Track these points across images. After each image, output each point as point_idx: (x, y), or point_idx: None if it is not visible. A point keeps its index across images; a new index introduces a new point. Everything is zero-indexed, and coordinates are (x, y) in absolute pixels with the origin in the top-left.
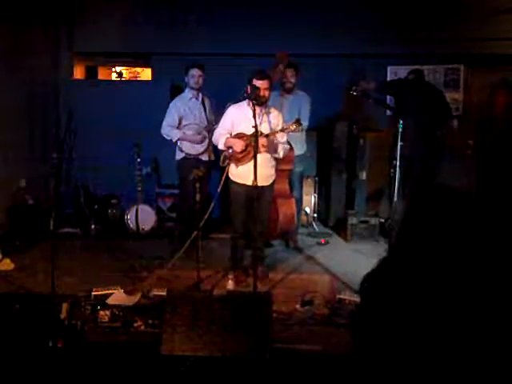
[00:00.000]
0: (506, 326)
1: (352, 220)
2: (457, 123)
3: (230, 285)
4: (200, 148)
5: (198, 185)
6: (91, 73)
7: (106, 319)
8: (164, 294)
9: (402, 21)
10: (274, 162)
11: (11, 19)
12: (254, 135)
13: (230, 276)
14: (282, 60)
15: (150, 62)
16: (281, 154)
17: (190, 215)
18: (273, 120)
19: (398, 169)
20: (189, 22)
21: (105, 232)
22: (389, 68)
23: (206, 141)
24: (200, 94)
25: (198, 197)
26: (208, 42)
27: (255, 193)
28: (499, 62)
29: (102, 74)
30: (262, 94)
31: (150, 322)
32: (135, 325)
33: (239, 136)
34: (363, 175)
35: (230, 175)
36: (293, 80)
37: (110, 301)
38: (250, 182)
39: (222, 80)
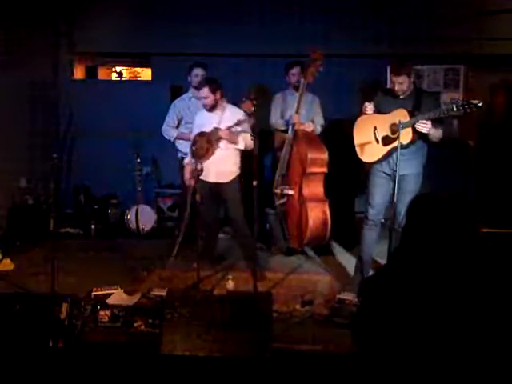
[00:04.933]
0: (504, 326)
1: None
2: (457, 123)
3: (230, 285)
4: None
5: (198, 185)
6: (91, 73)
7: (106, 319)
8: (164, 294)
9: (403, 21)
10: (235, 159)
11: (11, 19)
12: (212, 132)
13: (230, 276)
14: (316, 59)
15: (149, 62)
16: (241, 144)
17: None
18: (232, 115)
19: (397, 169)
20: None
21: (105, 232)
22: (389, 68)
23: None
24: None
25: (198, 197)
26: (208, 43)
27: (217, 190)
28: (499, 62)
29: (101, 74)
30: (203, 102)
31: (150, 321)
32: (135, 325)
33: (200, 135)
34: (363, 175)
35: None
36: (299, 78)
37: (109, 301)
38: (210, 179)
39: (221, 80)
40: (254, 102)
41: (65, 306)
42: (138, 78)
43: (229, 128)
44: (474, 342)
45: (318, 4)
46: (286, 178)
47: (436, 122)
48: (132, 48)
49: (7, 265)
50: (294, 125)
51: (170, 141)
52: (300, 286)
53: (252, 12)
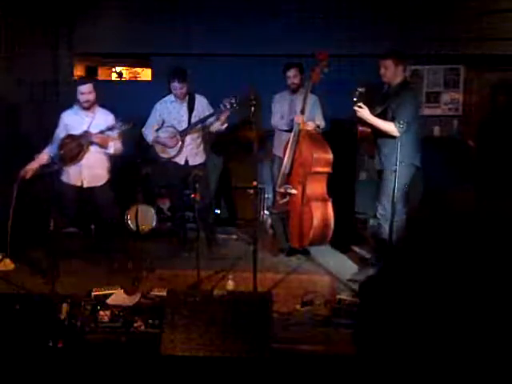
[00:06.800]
0: (503, 328)
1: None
2: (457, 123)
3: (230, 285)
4: (171, 152)
5: (197, 185)
6: (91, 73)
7: (106, 319)
8: (164, 294)
9: (402, 21)
10: (107, 163)
11: (11, 19)
12: (82, 136)
13: (230, 276)
14: (321, 60)
15: (149, 62)
16: (111, 148)
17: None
18: (102, 118)
19: (397, 169)
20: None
21: (105, 232)
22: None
23: (179, 145)
24: (186, 97)
25: (197, 196)
26: (208, 43)
27: (87, 195)
28: (499, 62)
29: (101, 74)
30: (84, 98)
31: (150, 322)
32: (135, 325)
33: (69, 138)
34: (363, 175)
35: (60, 176)
36: (296, 81)
37: (110, 301)
38: (79, 183)
39: (221, 80)
40: (254, 102)
41: (65, 306)
42: (138, 78)
43: (101, 132)
44: (476, 343)
45: (317, 4)
46: (289, 177)
47: (383, 115)
48: (132, 48)
49: (7, 265)
50: (298, 125)
51: (148, 143)
52: (300, 286)
53: (252, 12)
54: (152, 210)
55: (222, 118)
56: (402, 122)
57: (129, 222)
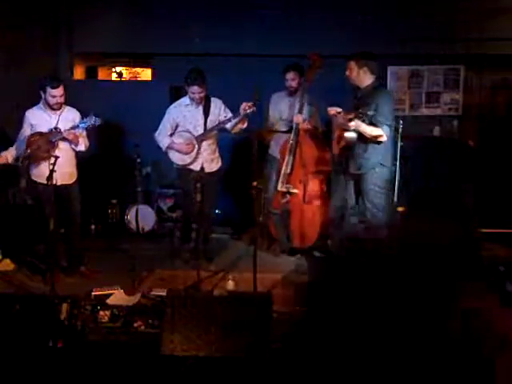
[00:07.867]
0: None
1: (352, 220)
2: (457, 123)
3: (230, 285)
4: (187, 159)
5: (198, 185)
6: (91, 73)
7: (106, 319)
8: (164, 294)
9: (402, 21)
10: (75, 160)
11: (11, 19)
12: (52, 132)
13: (230, 276)
14: (314, 60)
15: (150, 62)
16: (82, 146)
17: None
18: (70, 116)
19: (397, 169)
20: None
21: (105, 232)
22: (389, 68)
23: (195, 151)
24: (202, 101)
25: (198, 197)
26: (208, 43)
27: (59, 193)
28: (499, 62)
29: (102, 74)
30: (55, 101)
31: (150, 322)
32: (135, 325)
33: (37, 135)
34: None
35: (32, 176)
36: (294, 84)
37: (110, 301)
38: (53, 181)
39: (221, 80)
40: (257, 103)
41: (65, 307)
42: (138, 78)
43: (72, 128)
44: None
45: (318, 4)
46: (290, 176)
47: (364, 119)
48: (132, 48)
49: (7, 265)
50: (298, 125)
51: (161, 149)
52: (300, 286)
53: (252, 12)
54: (152, 210)
55: (244, 121)
56: (387, 125)
57: (129, 222)
